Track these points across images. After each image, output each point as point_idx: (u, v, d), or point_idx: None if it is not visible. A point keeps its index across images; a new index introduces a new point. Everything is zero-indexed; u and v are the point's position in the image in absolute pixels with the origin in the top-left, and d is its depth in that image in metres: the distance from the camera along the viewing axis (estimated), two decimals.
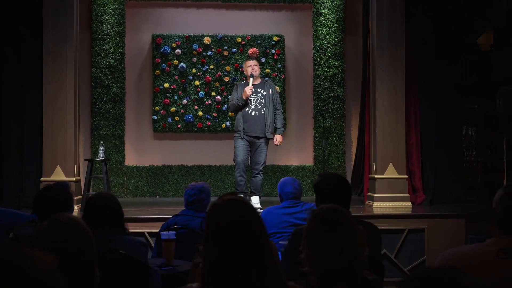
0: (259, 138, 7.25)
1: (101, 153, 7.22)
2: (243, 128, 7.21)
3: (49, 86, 7.24)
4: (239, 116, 7.30)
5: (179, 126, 9.60)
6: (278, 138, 7.39)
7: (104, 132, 9.46)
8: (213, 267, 1.98)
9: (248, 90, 7.14)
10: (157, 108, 9.57)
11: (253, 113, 7.24)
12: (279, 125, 7.38)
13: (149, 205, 8.26)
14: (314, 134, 9.79)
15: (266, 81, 7.74)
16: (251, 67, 7.32)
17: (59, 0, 7.27)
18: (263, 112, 7.23)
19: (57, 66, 7.26)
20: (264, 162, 7.31)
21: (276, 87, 9.44)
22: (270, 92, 7.32)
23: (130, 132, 9.65)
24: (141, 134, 9.70)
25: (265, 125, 7.21)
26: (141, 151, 9.68)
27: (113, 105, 9.51)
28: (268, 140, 7.32)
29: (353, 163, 9.69)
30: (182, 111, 9.60)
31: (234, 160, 7.27)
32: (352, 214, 3.53)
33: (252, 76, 7.24)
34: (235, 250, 1.97)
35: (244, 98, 7.17)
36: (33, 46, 7.63)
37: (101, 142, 7.62)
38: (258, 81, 7.39)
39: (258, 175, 7.23)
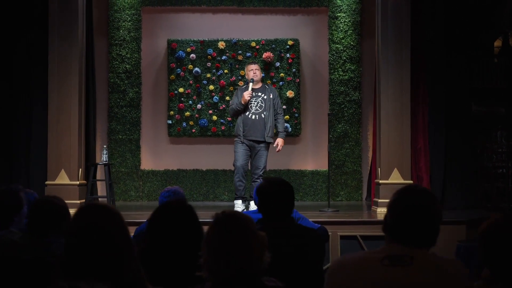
0: (259, 142, 7.20)
1: (104, 157, 7.30)
2: (243, 132, 7.18)
3: (54, 91, 7.40)
4: (239, 120, 7.28)
5: (193, 130, 9.65)
6: (279, 142, 7.33)
7: (120, 137, 9.58)
8: (70, 267, 1.99)
9: (247, 95, 7.11)
10: (172, 112, 9.64)
11: (253, 117, 7.20)
12: (280, 129, 7.32)
13: None
14: (329, 138, 9.67)
15: (267, 85, 7.69)
16: (253, 71, 7.29)
17: (65, 7, 7.42)
18: (263, 116, 7.19)
19: (62, 72, 7.41)
20: (264, 167, 7.25)
21: (291, 91, 9.48)
22: (271, 96, 7.26)
23: (145, 137, 9.76)
24: (157, 139, 9.79)
25: (265, 129, 7.16)
26: (157, 155, 9.77)
27: (129, 109, 9.63)
28: (268, 144, 7.27)
29: (369, 168, 9.54)
30: (196, 115, 9.64)
31: (234, 165, 7.24)
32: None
33: (252, 81, 7.21)
34: (90, 254, 1.96)
35: (242, 103, 7.14)
36: (40, 51, 7.77)
37: (104, 146, 7.70)
38: (259, 85, 7.34)
39: (258, 180, 7.18)
